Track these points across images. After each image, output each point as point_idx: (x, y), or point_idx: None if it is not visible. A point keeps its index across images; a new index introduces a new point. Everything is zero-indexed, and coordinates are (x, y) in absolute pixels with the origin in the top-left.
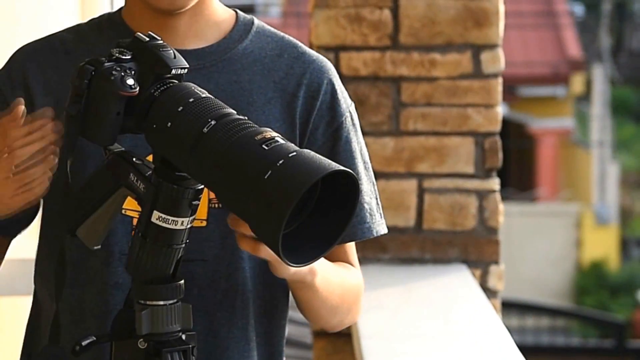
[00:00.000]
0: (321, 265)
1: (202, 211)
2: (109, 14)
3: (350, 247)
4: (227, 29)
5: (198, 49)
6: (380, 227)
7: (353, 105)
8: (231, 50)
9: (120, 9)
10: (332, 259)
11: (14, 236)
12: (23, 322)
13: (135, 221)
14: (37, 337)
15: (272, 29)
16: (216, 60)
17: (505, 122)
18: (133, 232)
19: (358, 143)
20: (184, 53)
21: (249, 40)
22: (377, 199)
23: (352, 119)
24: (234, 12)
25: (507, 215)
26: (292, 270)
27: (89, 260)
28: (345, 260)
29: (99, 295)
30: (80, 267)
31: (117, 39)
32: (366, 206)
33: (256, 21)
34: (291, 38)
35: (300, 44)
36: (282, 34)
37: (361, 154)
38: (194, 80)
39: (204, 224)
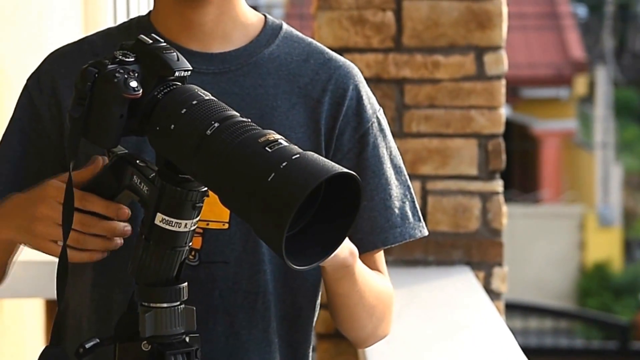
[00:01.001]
0: (357, 257)
1: (225, 214)
2: (138, 17)
3: (380, 256)
4: (255, 33)
5: (224, 52)
6: (415, 230)
7: (381, 110)
8: (257, 55)
9: (150, 12)
10: None
11: None
12: (25, 324)
13: None
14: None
15: (300, 35)
16: (242, 64)
17: (509, 123)
18: None
19: (387, 148)
20: (209, 57)
21: (275, 45)
22: (414, 202)
23: (379, 124)
24: (263, 17)
25: (510, 217)
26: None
27: (113, 260)
28: (374, 269)
29: (122, 294)
30: (105, 267)
31: None
32: (397, 211)
33: (285, 26)
34: (319, 44)
35: (327, 49)
36: (309, 39)
37: (391, 158)
38: (218, 83)
39: (226, 226)
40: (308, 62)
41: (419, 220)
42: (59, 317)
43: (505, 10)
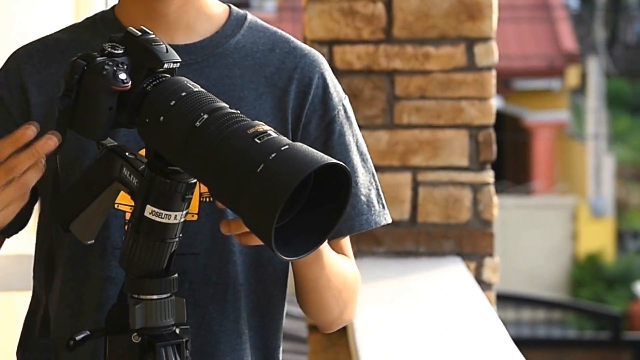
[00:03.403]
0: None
1: (194, 205)
2: (102, 12)
3: (346, 241)
4: (220, 24)
5: (189, 44)
6: (380, 217)
7: (347, 98)
8: (223, 45)
9: (114, 6)
10: None
11: (10, 236)
12: (18, 318)
13: (128, 215)
14: (34, 330)
15: (265, 24)
16: (207, 54)
17: (501, 115)
18: (126, 226)
19: (353, 136)
20: (175, 48)
21: (240, 34)
22: (378, 189)
23: (345, 112)
24: (227, 7)
25: (503, 208)
26: None
27: (85, 255)
28: (341, 254)
29: (94, 289)
30: (77, 262)
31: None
32: (363, 198)
33: (249, 16)
34: (284, 33)
35: (292, 38)
36: (274, 28)
37: (357, 146)
38: (185, 75)
39: (195, 217)
40: (274, 51)
41: (384, 207)
42: (45, 308)
43: (495, 1)
